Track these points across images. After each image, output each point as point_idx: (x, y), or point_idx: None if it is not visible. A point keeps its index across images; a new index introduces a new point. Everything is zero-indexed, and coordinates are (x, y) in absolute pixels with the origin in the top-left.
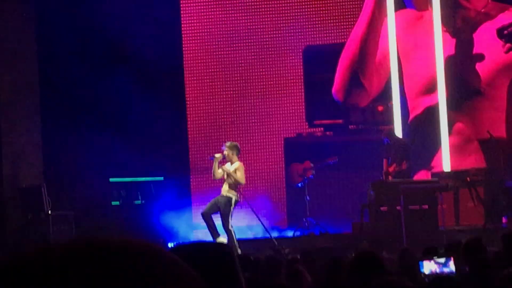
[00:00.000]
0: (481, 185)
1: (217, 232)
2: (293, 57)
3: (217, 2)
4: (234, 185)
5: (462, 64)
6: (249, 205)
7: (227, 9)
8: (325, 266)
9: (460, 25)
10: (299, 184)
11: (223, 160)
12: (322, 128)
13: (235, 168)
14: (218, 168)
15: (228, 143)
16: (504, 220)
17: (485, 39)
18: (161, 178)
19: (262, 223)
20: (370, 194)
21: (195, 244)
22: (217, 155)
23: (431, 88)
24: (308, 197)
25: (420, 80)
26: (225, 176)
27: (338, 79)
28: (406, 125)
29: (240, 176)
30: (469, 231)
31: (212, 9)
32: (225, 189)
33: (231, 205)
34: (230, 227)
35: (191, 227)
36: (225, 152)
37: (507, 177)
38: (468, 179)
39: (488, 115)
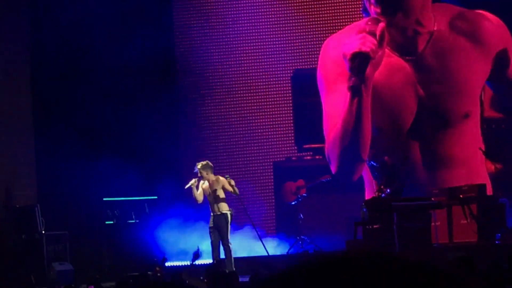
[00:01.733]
0: (474, 202)
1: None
2: (282, 81)
3: (208, 28)
4: (224, 201)
5: (441, 89)
6: (250, 220)
7: (218, 34)
8: None
9: (422, 50)
10: (293, 202)
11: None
12: (311, 152)
13: (222, 184)
14: (197, 190)
15: (199, 165)
16: (497, 236)
17: (453, 55)
18: (155, 197)
19: (261, 241)
20: (363, 212)
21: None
22: (192, 181)
23: (416, 122)
24: (301, 215)
25: (398, 116)
26: (211, 197)
27: (337, 163)
28: None
29: (234, 189)
30: (462, 248)
31: (204, 35)
32: (217, 208)
33: (228, 221)
34: (229, 244)
35: (185, 246)
36: (200, 174)
37: (499, 194)
38: (461, 196)
39: (474, 133)
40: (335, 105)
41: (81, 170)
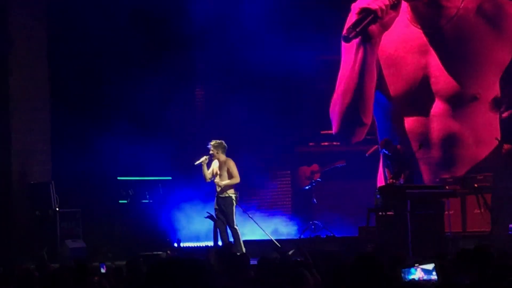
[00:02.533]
0: (488, 192)
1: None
2: (304, 67)
3: (228, 9)
4: (229, 184)
5: (452, 67)
6: (244, 211)
7: (241, 23)
8: (330, 270)
9: (444, 24)
10: (307, 187)
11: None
12: (328, 138)
13: (227, 167)
14: (208, 168)
15: (213, 142)
16: (510, 226)
17: (472, 36)
18: (169, 178)
19: (260, 227)
20: (377, 199)
21: (173, 260)
22: (203, 159)
23: (422, 95)
24: (315, 200)
25: (406, 85)
26: (218, 177)
27: (338, 123)
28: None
29: (234, 177)
30: (475, 238)
31: (226, 24)
32: (221, 190)
33: (232, 204)
34: (235, 226)
35: (197, 226)
36: (211, 151)
37: None
38: (475, 185)
39: (485, 118)
40: (346, 65)
41: (97, 148)
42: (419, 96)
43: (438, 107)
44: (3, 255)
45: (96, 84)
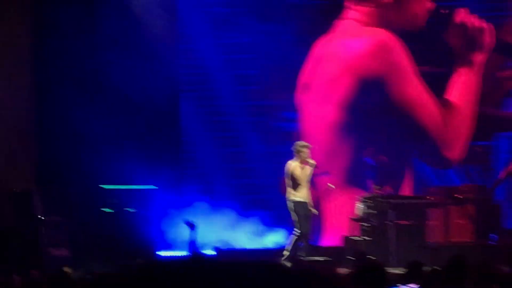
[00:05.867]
0: (471, 202)
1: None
2: None
3: None
4: (289, 186)
5: None
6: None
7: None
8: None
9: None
10: None
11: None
12: None
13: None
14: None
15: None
16: (490, 236)
17: None
18: (154, 187)
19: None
20: (359, 208)
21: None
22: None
23: None
24: None
25: None
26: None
27: None
28: None
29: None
30: (457, 248)
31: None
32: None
33: (290, 208)
34: (293, 231)
35: (183, 236)
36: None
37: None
38: (457, 195)
39: None
40: None
41: (81, 156)
42: None
43: None
44: None
45: (81, 91)
